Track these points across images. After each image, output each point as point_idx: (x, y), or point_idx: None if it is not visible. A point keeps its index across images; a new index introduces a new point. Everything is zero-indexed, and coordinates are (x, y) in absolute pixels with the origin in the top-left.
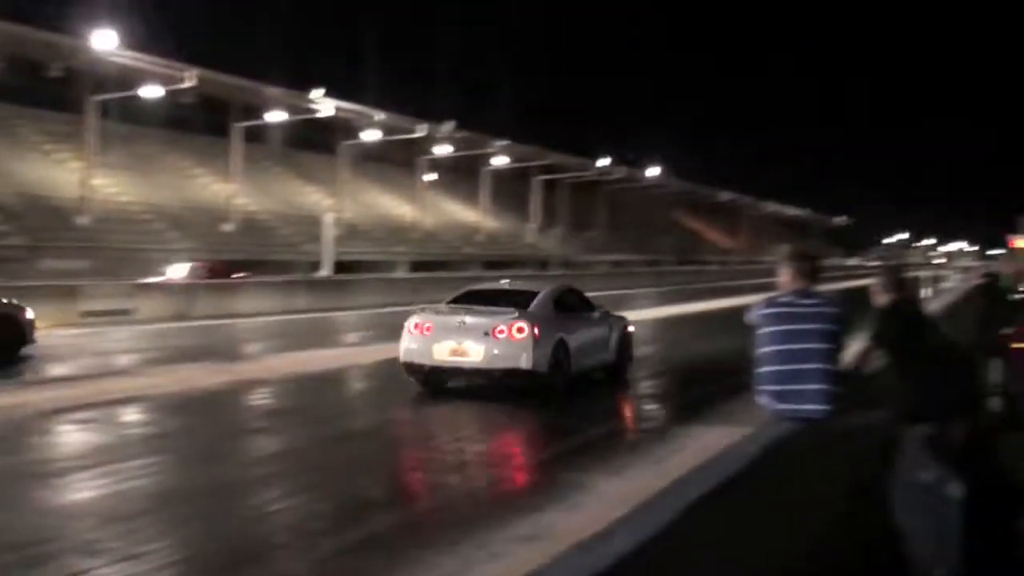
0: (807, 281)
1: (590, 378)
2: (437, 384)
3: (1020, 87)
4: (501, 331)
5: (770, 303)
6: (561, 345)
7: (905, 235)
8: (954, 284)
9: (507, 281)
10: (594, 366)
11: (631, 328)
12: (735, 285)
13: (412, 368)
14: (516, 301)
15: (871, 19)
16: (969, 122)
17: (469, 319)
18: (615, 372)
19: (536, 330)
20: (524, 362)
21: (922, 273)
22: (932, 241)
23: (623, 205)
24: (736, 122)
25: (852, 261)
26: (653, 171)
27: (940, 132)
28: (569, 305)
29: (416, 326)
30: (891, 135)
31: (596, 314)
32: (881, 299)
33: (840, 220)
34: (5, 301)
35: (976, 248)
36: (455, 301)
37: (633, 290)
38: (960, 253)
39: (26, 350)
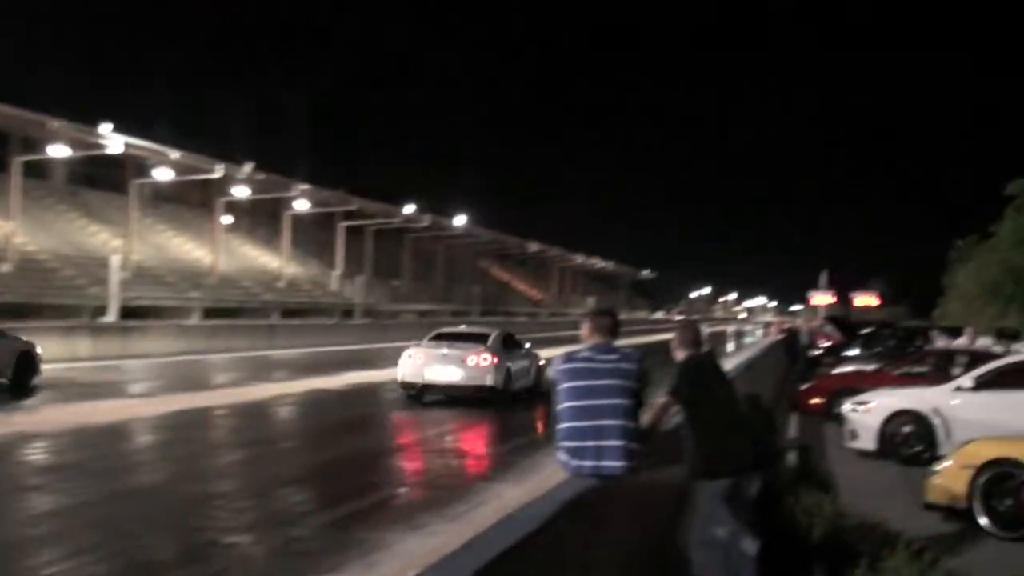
0: (606, 336)
1: (518, 396)
2: (422, 396)
3: (819, 157)
4: (472, 359)
5: (568, 358)
6: (507, 371)
7: (707, 289)
8: (755, 339)
9: (464, 326)
10: (523, 387)
11: (542, 362)
12: (543, 337)
13: (408, 385)
14: (477, 339)
15: (685, 83)
16: (774, 182)
17: (448, 351)
18: (532, 392)
19: (496, 359)
20: (489, 381)
21: (724, 328)
22: (734, 296)
23: (430, 254)
24: (549, 175)
25: (657, 314)
26: (460, 220)
27: (746, 192)
28: (510, 343)
29: (410, 356)
30: (703, 192)
31: (523, 351)
32: (680, 354)
33: (646, 273)
34: (24, 339)
35: (776, 304)
36: (433, 339)
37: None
38: (762, 309)
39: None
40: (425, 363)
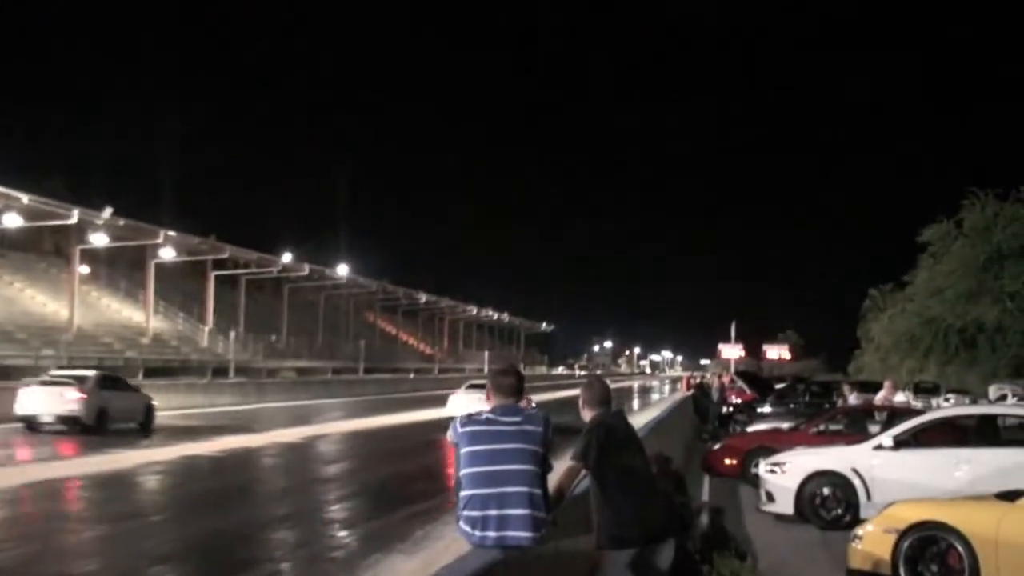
0: (509, 397)
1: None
2: None
3: (725, 204)
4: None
5: (469, 420)
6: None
7: (609, 343)
8: (663, 396)
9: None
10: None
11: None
12: (435, 395)
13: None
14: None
15: (584, 131)
16: (678, 230)
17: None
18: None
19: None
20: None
21: (629, 383)
22: (638, 350)
23: (310, 306)
24: (439, 223)
25: (557, 370)
26: (343, 269)
27: (649, 240)
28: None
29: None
30: (602, 240)
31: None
32: (588, 414)
33: (544, 326)
34: (147, 394)
35: (682, 358)
36: (469, 387)
37: (321, 400)
38: (669, 363)
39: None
40: (467, 403)
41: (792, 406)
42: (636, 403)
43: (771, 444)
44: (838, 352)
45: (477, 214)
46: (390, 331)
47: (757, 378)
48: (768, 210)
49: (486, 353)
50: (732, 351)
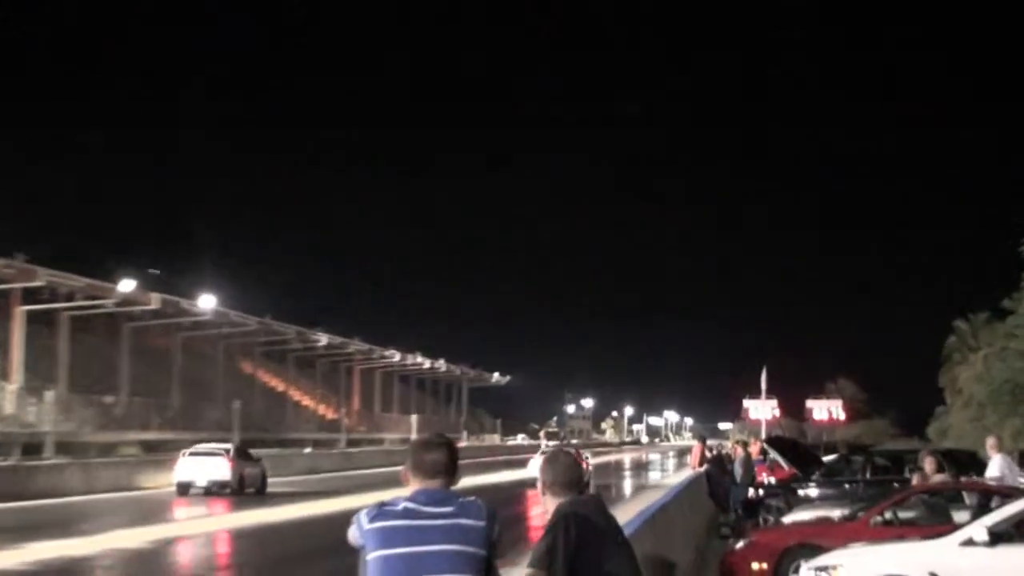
0: (438, 478)
1: None
2: None
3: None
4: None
5: (380, 512)
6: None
7: (589, 402)
8: (664, 474)
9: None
10: None
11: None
12: (343, 478)
13: None
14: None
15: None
16: (680, 248)
17: None
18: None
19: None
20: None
21: (617, 457)
22: (629, 411)
23: (163, 353)
24: (349, 239)
25: (516, 439)
26: (207, 302)
27: (642, 263)
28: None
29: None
30: (576, 270)
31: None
32: (552, 502)
33: (497, 378)
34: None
35: (690, 421)
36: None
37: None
38: (674, 427)
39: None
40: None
41: (847, 486)
42: (628, 485)
43: (817, 540)
44: (912, 409)
45: (403, 229)
46: (276, 387)
47: (797, 447)
48: (805, 212)
49: (414, 418)
50: (762, 409)
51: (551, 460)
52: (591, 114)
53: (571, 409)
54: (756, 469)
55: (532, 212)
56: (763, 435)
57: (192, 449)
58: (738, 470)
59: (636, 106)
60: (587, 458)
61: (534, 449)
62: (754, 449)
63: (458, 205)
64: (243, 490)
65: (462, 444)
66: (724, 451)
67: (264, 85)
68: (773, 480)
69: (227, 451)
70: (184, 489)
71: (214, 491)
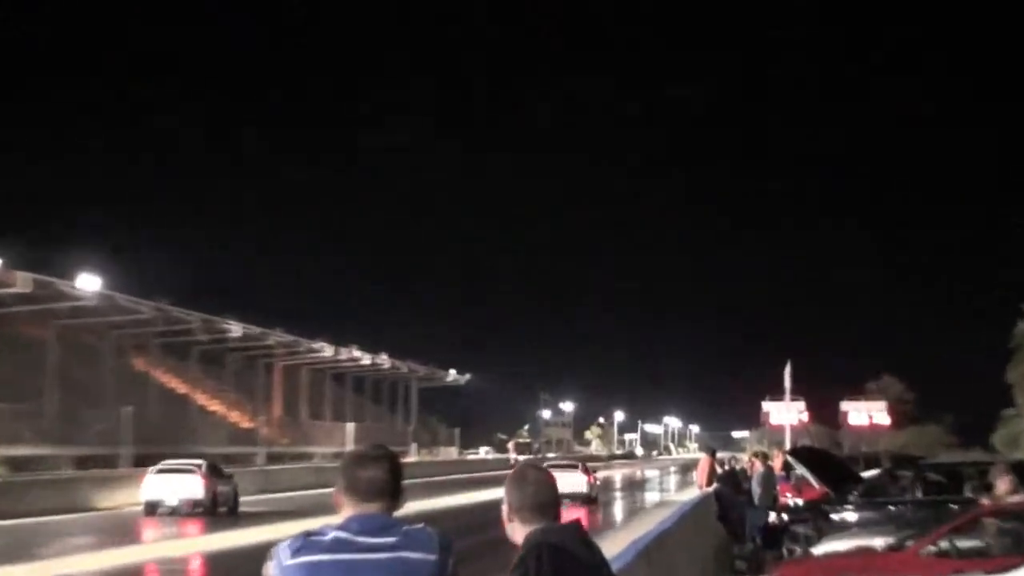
0: (376, 501)
1: None
2: None
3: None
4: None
5: (306, 544)
6: None
7: (570, 406)
8: (664, 495)
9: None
10: None
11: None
12: (264, 503)
13: None
14: (569, 465)
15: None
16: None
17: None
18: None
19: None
20: (583, 489)
21: (606, 473)
22: (619, 416)
23: (34, 348)
24: (269, 209)
25: (479, 452)
26: (90, 283)
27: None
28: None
29: None
30: (570, 241)
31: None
32: (519, 531)
33: (454, 378)
34: (228, 474)
35: (696, 428)
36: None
37: (54, 517)
38: (677, 436)
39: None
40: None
41: (892, 508)
42: (618, 508)
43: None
44: (972, 412)
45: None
46: (176, 389)
47: (830, 460)
48: (843, 197)
49: (349, 427)
50: (786, 413)
51: (518, 479)
52: (590, 112)
53: (547, 415)
54: (779, 488)
55: (509, 201)
56: (787, 445)
57: (160, 465)
58: (756, 489)
59: (636, 105)
60: (594, 471)
61: (501, 465)
62: (776, 463)
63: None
64: (216, 509)
65: (409, 459)
66: (739, 466)
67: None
68: (800, 501)
69: (199, 467)
70: (152, 508)
71: (184, 511)
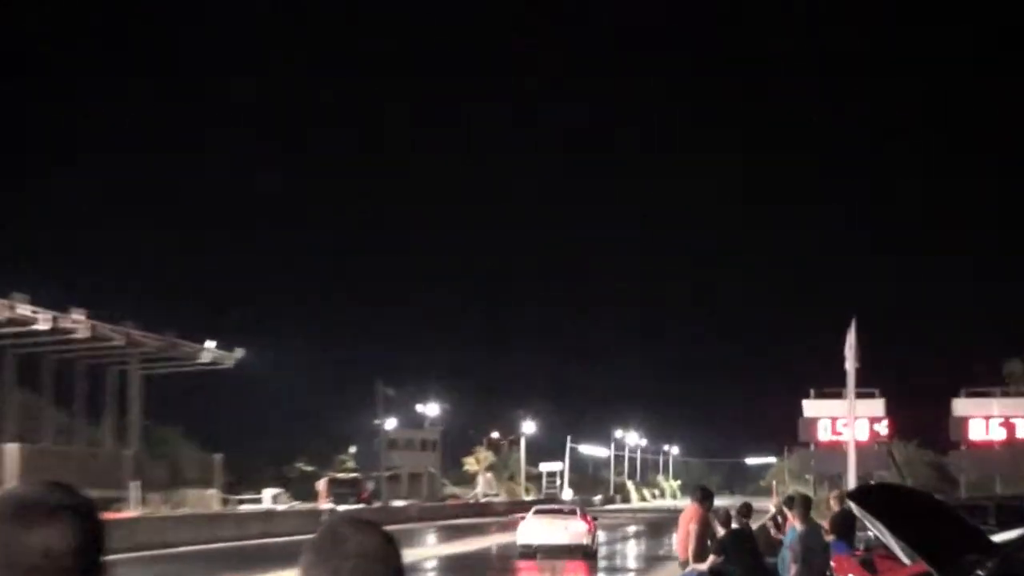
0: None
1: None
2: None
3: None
4: (575, 521)
5: None
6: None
7: (431, 409)
8: None
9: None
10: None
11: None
12: None
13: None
14: (568, 511)
15: None
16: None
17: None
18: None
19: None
20: (584, 540)
21: (504, 539)
22: (528, 426)
23: None
24: None
25: (266, 497)
26: None
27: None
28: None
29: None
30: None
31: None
32: None
33: (219, 356)
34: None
35: (675, 451)
36: (538, 512)
37: None
38: (651, 472)
39: None
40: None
41: None
42: None
43: None
44: None
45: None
46: None
47: (936, 511)
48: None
49: (10, 449)
50: (847, 420)
51: (326, 548)
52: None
53: (393, 426)
54: (834, 559)
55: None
56: (850, 483)
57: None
58: (787, 557)
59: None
60: (595, 519)
61: (305, 523)
62: (834, 509)
63: None
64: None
65: (126, 513)
66: (759, 522)
67: None
68: None
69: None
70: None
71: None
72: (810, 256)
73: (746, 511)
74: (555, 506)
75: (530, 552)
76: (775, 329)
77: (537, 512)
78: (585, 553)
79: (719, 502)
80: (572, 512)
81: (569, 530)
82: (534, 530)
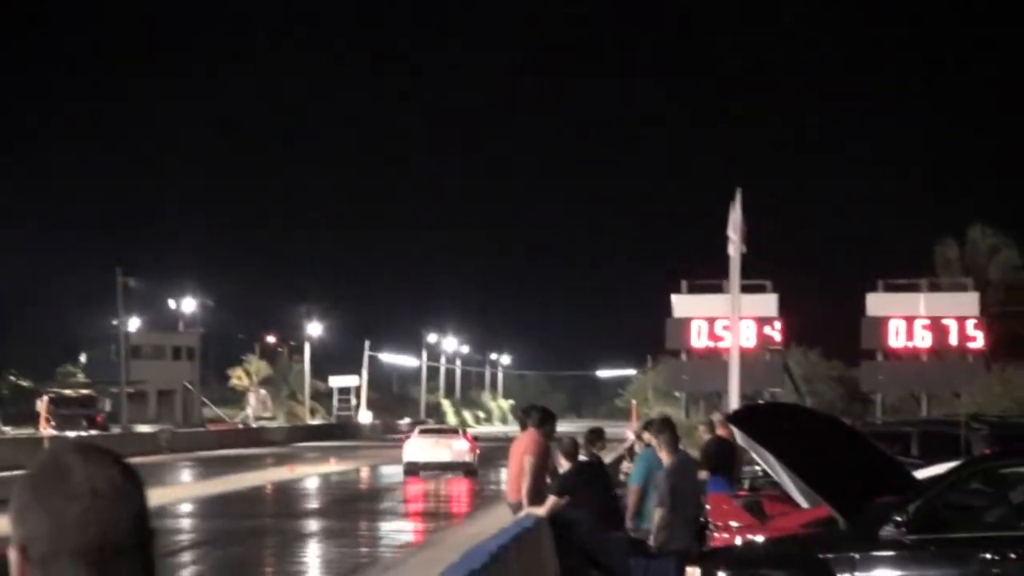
0: None
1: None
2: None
3: None
4: (458, 440)
5: None
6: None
7: (192, 308)
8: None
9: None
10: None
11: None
12: None
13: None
14: (450, 431)
15: None
16: None
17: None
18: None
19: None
20: (467, 458)
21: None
22: (317, 333)
23: None
24: None
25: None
26: None
27: None
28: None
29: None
30: None
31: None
32: None
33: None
34: None
35: (504, 359)
36: (424, 432)
37: None
38: (459, 386)
39: None
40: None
41: (990, 556)
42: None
43: None
44: None
45: None
46: None
47: (854, 439)
48: None
49: None
50: (729, 320)
51: (45, 484)
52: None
53: (135, 326)
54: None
55: None
56: (732, 403)
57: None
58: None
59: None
60: (473, 435)
61: (6, 449)
62: (724, 432)
63: None
64: None
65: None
66: (625, 452)
67: None
68: (761, 538)
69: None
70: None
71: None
72: (689, 120)
73: (597, 439)
74: (440, 426)
75: (415, 469)
76: (641, 207)
77: (422, 432)
78: (468, 470)
79: (563, 427)
80: (455, 431)
81: (453, 448)
82: (419, 448)
